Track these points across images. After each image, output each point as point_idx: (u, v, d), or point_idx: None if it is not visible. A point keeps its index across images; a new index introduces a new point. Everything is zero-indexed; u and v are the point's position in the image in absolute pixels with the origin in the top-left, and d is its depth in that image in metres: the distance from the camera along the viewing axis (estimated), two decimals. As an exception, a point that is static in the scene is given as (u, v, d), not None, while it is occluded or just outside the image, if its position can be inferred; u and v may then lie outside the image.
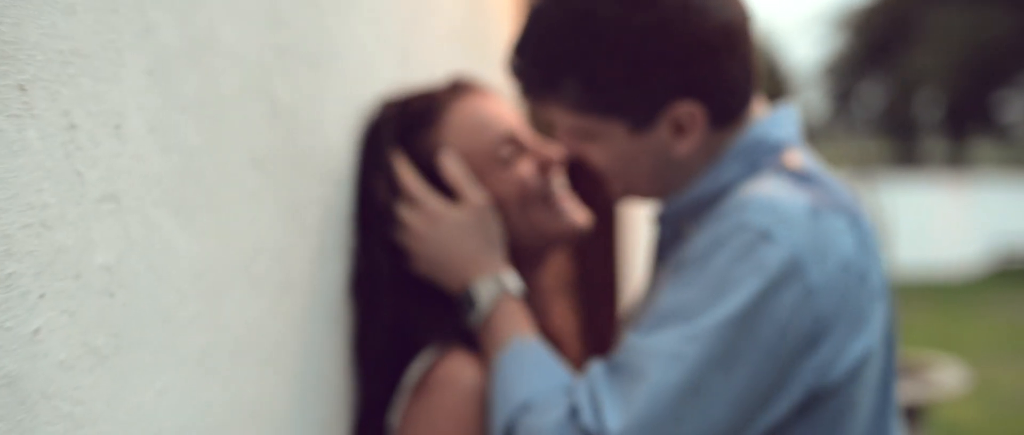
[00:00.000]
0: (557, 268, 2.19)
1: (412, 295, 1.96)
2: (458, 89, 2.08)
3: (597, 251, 3.69)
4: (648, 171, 1.82)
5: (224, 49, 1.49)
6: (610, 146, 1.80)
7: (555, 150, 1.99)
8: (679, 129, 1.77)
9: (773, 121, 1.91)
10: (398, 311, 1.94)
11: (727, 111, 1.85)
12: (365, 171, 2.09)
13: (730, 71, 1.81)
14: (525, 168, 2.01)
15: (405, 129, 2.07)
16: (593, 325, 2.54)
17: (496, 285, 1.87)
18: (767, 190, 1.69)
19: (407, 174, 1.95)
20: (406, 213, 1.95)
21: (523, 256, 2.03)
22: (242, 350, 1.61)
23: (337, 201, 1.93)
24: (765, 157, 1.86)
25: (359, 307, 1.97)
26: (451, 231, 1.91)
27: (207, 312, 1.50)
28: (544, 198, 2.02)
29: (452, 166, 1.94)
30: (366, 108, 2.04)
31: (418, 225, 1.93)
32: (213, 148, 1.49)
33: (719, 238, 1.71)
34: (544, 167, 2.09)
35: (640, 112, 1.76)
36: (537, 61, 1.83)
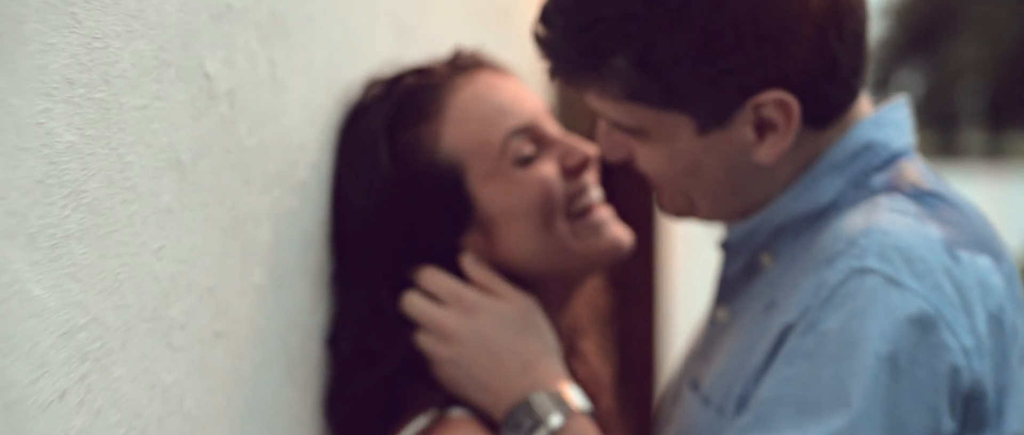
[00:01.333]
0: (589, 298, 1.85)
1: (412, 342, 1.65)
2: (462, 66, 1.71)
3: (631, 276, 3.21)
4: (718, 182, 1.50)
5: (127, 4, 1.12)
6: (668, 148, 1.47)
7: (590, 147, 1.68)
8: (764, 127, 1.44)
9: (881, 121, 1.52)
10: (393, 362, 1.63)
11: (828, 106, 1.47)
12: (344, 173, 1.64)
13: (835, 54, 1.42)
14: (549, 170, 1.66)
15: (392, 119, 1.62)
16: (627, 368, 2.05)
17: (561, 403, 1.54)
18: (886, 221, 1.39)
19: (431, 271, 1.64)
20: (424, 306, 1.61)
21: (547, 285, 1.71)
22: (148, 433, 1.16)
23: (302, 215, 1.58)
24: (875, 170, 1.49)
25: (339, 358, 1.66)
26: (494, 329, 1.59)
27: (80, 386, 1.04)
28: (575, 209, 1.69)
29: (479, 272, 1.64)
30: (347, 91, 1.71)
31: (446, 321, 1.59)
32: (99, 146, 1.09)
33: (829, 291, 1.36)
34: (575, 169, 1.68)
35: (714, 104, 1.42)
36: (575, 32, 1.44)
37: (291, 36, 1.51)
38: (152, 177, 1.18)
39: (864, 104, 1.53)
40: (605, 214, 1.71)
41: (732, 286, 1.62)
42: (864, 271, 1.34)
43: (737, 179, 1.50)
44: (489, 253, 1.66)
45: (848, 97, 1.48)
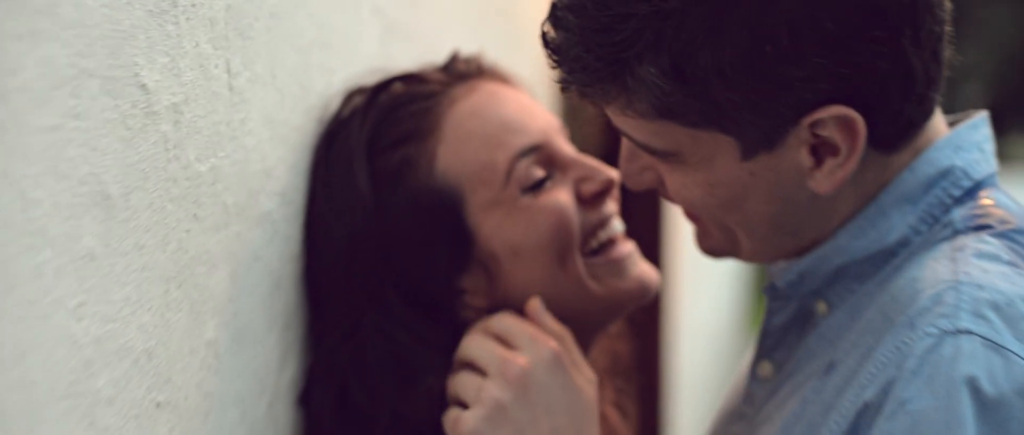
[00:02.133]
0: (608, 346, 1.64)
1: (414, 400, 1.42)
2: (461, 73, 1.50)
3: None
4: (764, 216, 1.30)
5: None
6: (706, 175, 1.27)
7: (611, 170, 1.48)
8: (822, 150, 1.24)
9: (960, 143, 1.30)
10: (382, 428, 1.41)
11: (899, 125, 1.25)
12: (318, 203, 1.45)
13: (910, 61, 1.20)
14: (564, 197, 1.45)
15: (376, 136, 1.43)
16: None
17: None
18: (976, 270, 1.19)
19: (472, 337, 1.43)
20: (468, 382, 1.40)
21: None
22: None
23: (267, 254, 1.36)
24: (954, 203, 1.28)
25: (314, 420, 1.44)
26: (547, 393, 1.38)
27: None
28: (594, 245, 1.48)
29: (545, 317, 1.44)
30: (322, 103, 1.48)
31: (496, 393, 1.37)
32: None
33: (917, 360, 1.14)
34: (595, 197, 1.48)
35: (762, 122, 1.22)
36: (595, 33, 1.22)
37: (252, 37, 1.27)
38: (67, 217, 0.96)
39: (939, 122, 1.31)
40: (628, 249, 1.50)
41: (778, 337, 1.41)
42: (958, 334, 1.14)
43: (788, 212, 1.30)
44: (492, 297, 1.45)
45: (922, 114, 1.26)
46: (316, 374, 1.43)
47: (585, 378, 1.39)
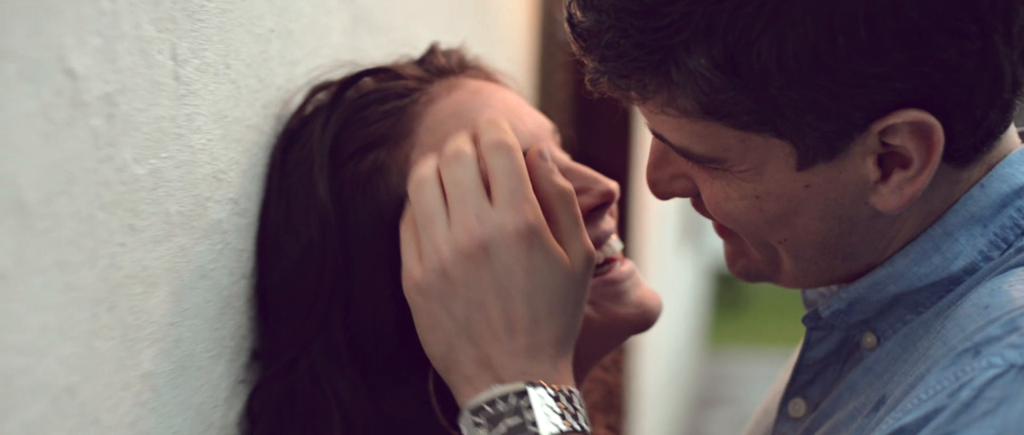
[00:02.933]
0: (599, 377, 1.52)
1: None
2: (440, 69, 1.35)
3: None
4: (816, 235, 1.16)
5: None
6: (754, 185, 1.13)
7: (610, 183, 1.33)
8: (891, 161, 1.10)
9: None
10: None
11: (979, 135, 1.11)
12: (275, 212, 1.28)
13: (1000, 61, 1.06)
14: None
15: (341, 138, 1.28)
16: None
17: (559, 409, 1.16)
18: None
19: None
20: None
21: None
22: None
23: (216, 271, 1.19)
24: None
25: None
26: (538, 277, 1.19)
27: None
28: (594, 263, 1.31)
29: (559, 176, 1.23)
30: (281, 98, 1.32)
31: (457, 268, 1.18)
32: None
33: (973, 391, 1.01)
34: (590, 212, 1.33)
35: (826, 126, 1.07)
36: (635, 16, 1.07)
37: (204, 19, 1.12)
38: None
39: (1012, 134, 1.18)
40: (628, 269, 1.36)
41: (816, 372, 1.28)
42: None
43: (843, 232, 1.16)
44: None
45: (1003, 123, 1.13)
46: (251, 413, 1.27)
47: (559, 263, 1.19)
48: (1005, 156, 1.15)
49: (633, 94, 1.11)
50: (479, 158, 1.18)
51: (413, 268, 1.18)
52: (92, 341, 0.95)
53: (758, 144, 1.10)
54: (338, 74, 1.35)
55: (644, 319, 1.33)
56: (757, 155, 1.10)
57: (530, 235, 1.17)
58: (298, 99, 1.33)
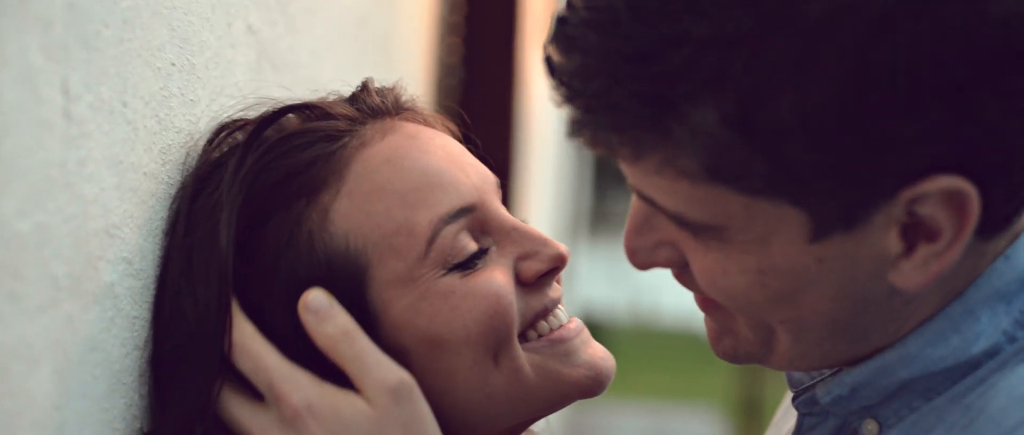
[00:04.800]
0: None
1: None
2: (373, 109, 1.22)
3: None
4: (824, 314, 1.04)
5: None
6: (758, 258, 1.01)
7: (560, 247, 1.22)
8: (916, 233, 0.99)
9: None
10: None
11: (1014, 205, 1.01)
12: (175, 272, 1.14)
13: None
14: (500, 279, 1.18)
15: (255, 187, 1.14)
16: None
17: None
18: None
19: (243, 327, 1.12)
20: (244, 411, 1.12)
21: None
22: None
23: (107, 341, 1.04)
24: None
25: None
26: None
27: None
28: (533, 337, 1.21)
29: (327, 331, 1.13)
30: (185, 139, 1.18)
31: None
32: None
33: None
34: (541, 278, 1.21)
35: (847, 194, 0.96)
36: (631, 62, 0.94)
37: (100, 49, 0.98)
38: None
39: None
40: (577, 327, 1.24)
41: None
42: None
43: (855, 311, 1.04)
44: None
45: None
46: None
47: (355, 415, 1.11)
48: None
49: (623, 151, 0.98)
50: None
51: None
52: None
53: (766, 212, 0.97)
54: (245, 113, 1.21)
55: (596, 382, 1.21)
56: (764, 224, 0.98)
57: (307, 411, 1.10)
58: (202, 142, 1.18)
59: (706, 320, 1.13)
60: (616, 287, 14.29)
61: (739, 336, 1.10)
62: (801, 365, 1.10)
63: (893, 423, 1.07)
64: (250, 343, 1.12)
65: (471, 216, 1.16)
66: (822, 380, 1.11)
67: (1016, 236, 1.04)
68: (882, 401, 1.07)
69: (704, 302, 1.11)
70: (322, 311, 1.12)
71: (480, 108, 3.55)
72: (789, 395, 1.27)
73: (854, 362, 1.08)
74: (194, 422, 1.11)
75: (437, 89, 2.73)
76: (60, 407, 0.95)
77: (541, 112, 5.48)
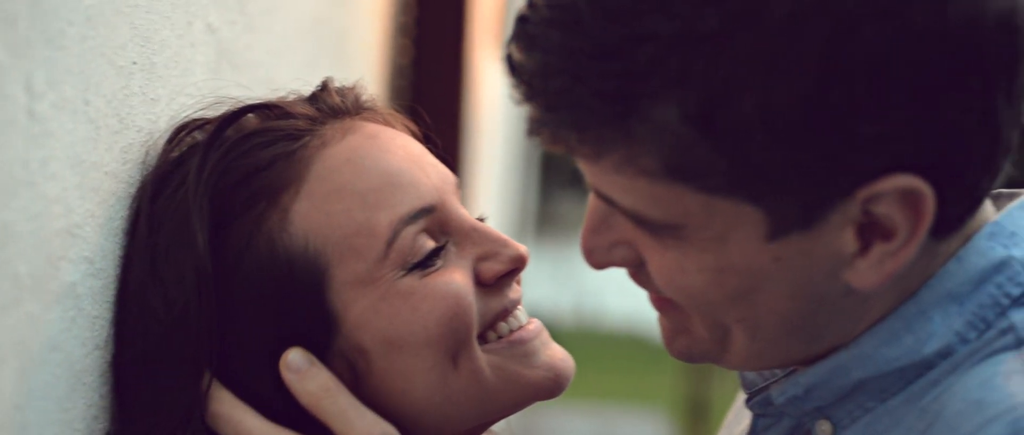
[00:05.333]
0: None
1: None
2: (333, 109, 1.22)
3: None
4: (780, 314, 1.05)
5: None
6: (715, 257, 1.02)
7: (519, 248, 1.23)
8: (872, 232, 1.00)
9: (1013, 227, 1.07)
10: None
11: (969, 204, 1.03)
12: (138, 272, 1.13)
13: (999, 122, 0.98)
14: (460, 279, 1.18)
15: (220, 187, 1.13)
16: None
17: None
18: None
19: (221, 395, 1.13)
20: None
21: None
22: None
23: (68, 341, 1.04)
24: (1012, 304, 1.04)
25: None
26: None
27: None
28: (492, 338, 1.21)
29: (310, 388, 1.14)
30: (144, 139, 1.17)
31: None
32: None
33: None
34: (500, 279, 1.21)
35: (806, 192, 0.97)
36: (593, 59, 0.95)
37: (64, 46, 0.98)
38: None
39: (986, 202, 1.09)
40: (536, 328, 1.24)
41: None
42: None
43: (810, 310, 1.04)
44: (358, 398, 1.14)
45: (988, 191, 1.04)
46: None
47: None
48: (981, 226, 1.06)
49: (584, 150, 0.98)
50: None
51: None
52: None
53: (725, 210, 0.98)
54: (206, 112, 1.21)
55: (555, 384, 1.21)
56: (723, 222, 0.99)
57: None
58: (161, 142, 1.18)
59: (660, 319, 1.13)
60: (561, 289, 14.29)
61: (694, 335, 1.10)
62: (756, 364, 1.11)
63: (847, 424, 1.07)
64: (229, 411, 1.12)
65: (431, 216, 1.16)
66: (776, 381, 1.12)
67: (968, 238, 1.05)
68: (836, 401, 1.08)
69: (659, 301, 1.11)
70: (303, 370, 1.13)
71: (429, 109, 3.57)
72: (741, 397, 1.28)
73: (808, 362, 1.09)
74: (177, 424, 1.11)
75: (388, 90, 2.73)
76: (22, 407, 0.95)
77: (489, 114, 5.49)
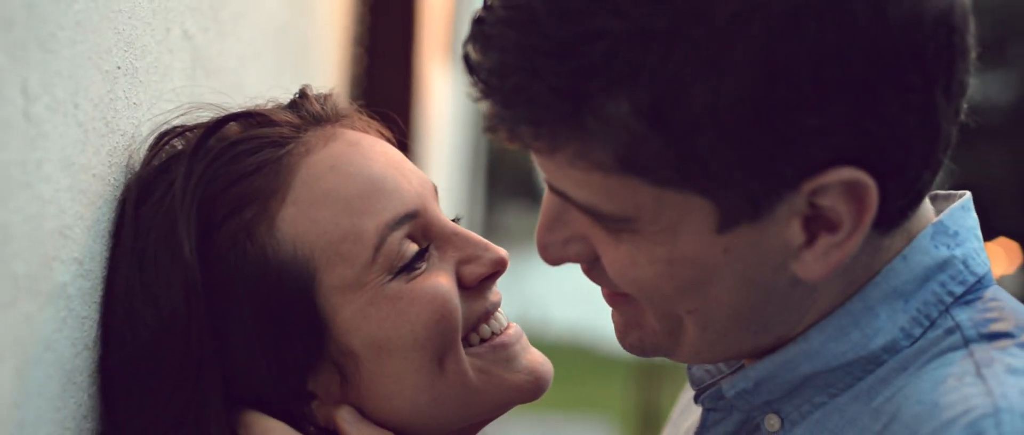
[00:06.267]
0: None
1: None
2: (316, 116, 1.23)
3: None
4: (730, 305, 1.07)
5: None
6: (667, 249, 1.04)
7: (500, 251, 1.25)
8: (817, 225, 1.03)
9: (955, 228, 1.11)
10: None
11: (910, 198, 1.06)
12: (126, 274, 1.15)
13: (939, 118, 1.02)
14: (443, 282, 1.20)
15: (208, 192, 1.15)
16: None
17: None
18: (1015, 396, 0.98)
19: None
20: None
21: None
22: None
23: (59, 341, 1.05)
24: (955, 303, 1.08)
25: None
26: None
27: None
28: (475, 340, 1.24)
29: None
30: (128, 144, 1.20)
31: None
32: None
33: None
34: (482, 281, 1.24)
35: (753, 184, 1.00)
36: (547, 57, 0.98)
37: (56, 50, 1.00)
38: None
39: (926, 202, 1.13)
40: (516, 333, 1.27)
41: None
42: None
43: (759, 302, 1.07)
44: (347, 402, 1.18)
45: (931, 186, 1.08)
46: None
47: None
48: (923, 226, 1.10)
49: (539, 145, 1.01)
50: None
51: None
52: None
53: (675, 202, 1.01)
54: (183, 119, 1.22)
55: (536, 387, 1.25)
56: (673, 214, 1.02)
57: None
58: (144, 147, 1.20)
59: (613, 314, 1.15)
60: (505, 299, 14.35)
61: (646, 328, 1.12)
62: (707, 357, 1.13)
63: (797, 419, 1.10)
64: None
65: (414, 221, 1.19)
66: (726, 376, 1.15)
67: (911, 236, 1.08)
68: (785, 395, 1.10)
69: (612, 297, 1.13)
70: (352, 424, 1.18)
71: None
72: (687, 393, 1.31)
73: (758, 355, 1.11)
74: (167, 427, 1.13)
75: (346, 97, 2.76)
76: (19, 405, 0.96)
77: (438, 124, 5.51)
